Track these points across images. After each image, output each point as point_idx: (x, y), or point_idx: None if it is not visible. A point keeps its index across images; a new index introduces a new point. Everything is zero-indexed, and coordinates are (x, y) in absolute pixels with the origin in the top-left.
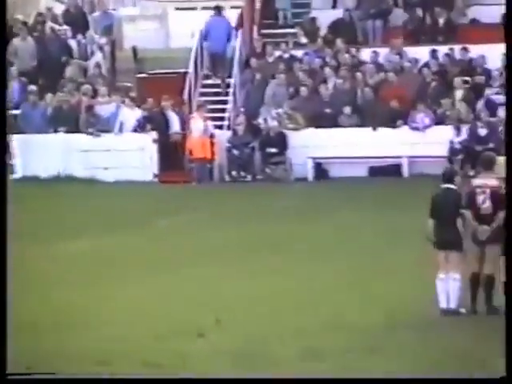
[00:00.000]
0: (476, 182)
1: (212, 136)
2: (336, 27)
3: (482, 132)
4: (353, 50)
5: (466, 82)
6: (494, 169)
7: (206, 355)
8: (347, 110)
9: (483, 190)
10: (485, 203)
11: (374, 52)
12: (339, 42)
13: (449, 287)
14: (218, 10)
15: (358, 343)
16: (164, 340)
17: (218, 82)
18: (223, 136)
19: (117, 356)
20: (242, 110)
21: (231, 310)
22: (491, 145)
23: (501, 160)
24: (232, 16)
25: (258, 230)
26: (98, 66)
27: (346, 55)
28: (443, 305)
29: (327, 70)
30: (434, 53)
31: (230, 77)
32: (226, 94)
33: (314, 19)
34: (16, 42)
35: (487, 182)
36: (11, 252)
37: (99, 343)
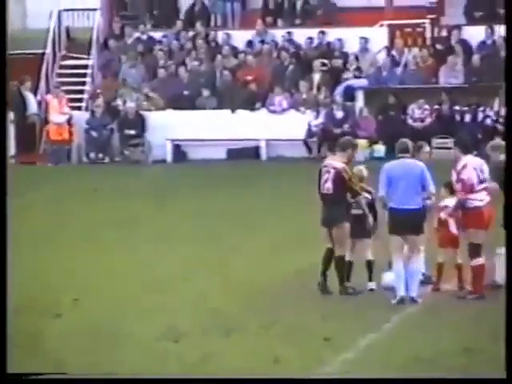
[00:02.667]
0: (325, 161)
1: (70, 118)
2: (193, 10)
3: (339, 115)
4: (212, 33)
5: (323, 64)
6: (348, 151)
7: (62, 335)
8: (206, 92)
9: (327, 170)
10: (326, 183)
11: (230, 34)
12: (198, 25)
13: None
14: None
15: (217, 324)
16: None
17: (76, 63)
18: (81, 117)
19: None
20: (101, 91)
21: (88, 288)
22: (346, 127)
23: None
24: None
25: (113, 208)
26: None
27: (202, 39)
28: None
29: (185, 52)
30: (291, 36)
31: (88, 58)
32: (84, 76)
33: (175, 1)
34: None
35: (333, 162)
36: (11, 251)
37: None
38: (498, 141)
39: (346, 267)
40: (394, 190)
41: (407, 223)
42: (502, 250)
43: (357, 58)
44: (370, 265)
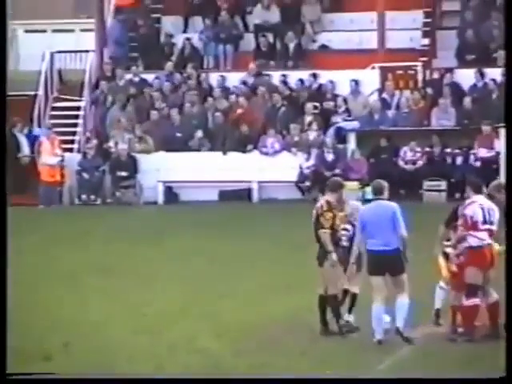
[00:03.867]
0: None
1: (62, 159)
2: (185, 52)
3: (330, 157)
4: (203, 75)
5: (315, 107)
6: (338, 192)
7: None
8: (198, 133)
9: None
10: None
11: (223, 76)
12: (189, 67)
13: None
14: None
15: (207, 366)
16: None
17: (68, 104)
18: (73, 159)
19: None
20: (93, 133)
21: (78, 332)
22: (338, 170)
23: (350, 184)
24: (84, 39)
25: (104, 250)
26: None
27: (194, 80)
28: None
29: (177, 94)
30: (283, 78)
31: (80, 100)
32: (77, 117)
33: (172, 44)
34: None
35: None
36: (11, 251)
37: None
38: (500, 181)
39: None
40: (370, 232)
41: (386, 264)
42: None
43: (345, 101)
44: (353, 298)
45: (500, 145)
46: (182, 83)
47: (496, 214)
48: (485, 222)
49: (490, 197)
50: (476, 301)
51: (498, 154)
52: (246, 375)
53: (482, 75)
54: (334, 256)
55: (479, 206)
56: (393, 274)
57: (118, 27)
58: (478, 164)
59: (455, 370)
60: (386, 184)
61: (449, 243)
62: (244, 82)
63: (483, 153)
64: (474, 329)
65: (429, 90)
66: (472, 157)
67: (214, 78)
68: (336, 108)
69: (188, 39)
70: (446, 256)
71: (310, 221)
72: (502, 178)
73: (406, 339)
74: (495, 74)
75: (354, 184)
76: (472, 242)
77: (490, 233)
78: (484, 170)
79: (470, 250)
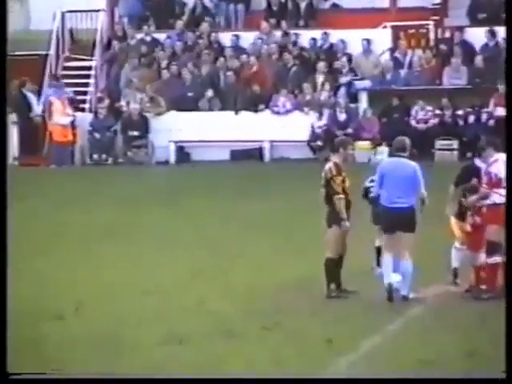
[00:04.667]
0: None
1: (73, 119)
2: (196, 11)
3: (342, 117)
4: (214, 34)
5: (327, 66)
6: (340, 151)
7: (65, 339)
8: (209, 93)
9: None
10: None
11: (236, 36)
12: (204, 26)
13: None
14: None
15: (219, 328)
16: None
17: (80, 64)
18: (85, 119)
19: None
20: (105, 93)
21: (90, 295)
22: (350, 129)
23: (361, 144)
24: None
25: (116, 211)
26: None
27: (205, 39)
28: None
29: (188, 54)
30: (295, 37)
31: (91, 60)
32: (88, 77)
33: (183, 3)
34: None
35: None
36: (11, 256)
37: None
38: None
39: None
40: (387, 188)
41: (399, 221)
42: None
43: (350, 61)
44: (378, 250)
45: None
46: (194, 43)
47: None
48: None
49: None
50: (498, 258)
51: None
52: (246, 375)
53: (493, 34)
54: (347, 223)
55: (503, 163)
56: (406, 231)
57: None
58: (493, 123)
59: (466, 329)
60: (408, 142)
61: (464, 201)
62: (254, 43)
63: (500, 111)
64: (497, 286)
65: (440, 49)
66: (485, 116)
67: (225, 38)
68: (346, 67)
69: None
70: (459, 216)
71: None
72: None
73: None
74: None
75: (366, 143)
76: (496, 199)
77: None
78: (500, 129)
79: (492, 207)
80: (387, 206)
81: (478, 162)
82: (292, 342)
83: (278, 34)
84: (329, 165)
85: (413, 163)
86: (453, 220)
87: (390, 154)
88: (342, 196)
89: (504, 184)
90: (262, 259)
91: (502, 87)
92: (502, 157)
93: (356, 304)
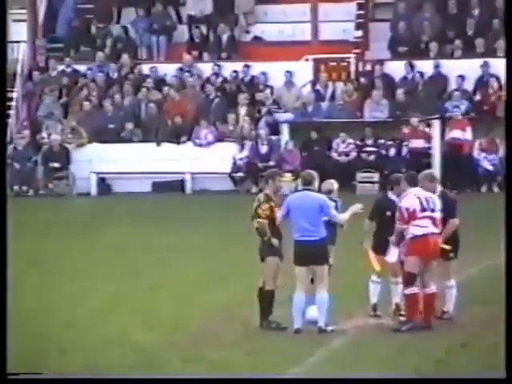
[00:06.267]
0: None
1: None
2: (118, 42)
3: (263, 149)
4: (136, 66)
5: (248, 98)
6: (269, 182)
7: None
8: (129, 125)
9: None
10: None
11: (156, 67)
12: (125, 57)
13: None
14: None
15: (140, 359)
16: None
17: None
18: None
19: None
20: (26, 124)
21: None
22: (271, 161)
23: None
24: (16, 30)
25: (35, 243)
26: None
27: (128, 71)
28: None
29: (110, 85)
30: (217, 69)
31: (12, 91)
32: (8, 108)
33: (104, 34)
34: None
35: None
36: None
37: None
38: (431, 171)
39: (268, 300)
40: (296, 222)
41: (311, 254)
42: (452, 283)
43: (272, 92)
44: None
45: (434, 136)
46: (116, 74)
47: (436, 201)
48: (424, 210)
49: (422, 187)
50: (414, 289)
51: (428, 146)
52: (246, 375)
53: (412, 67)
54: (274, 241)
55: (414, 195)
56: (318, 264)
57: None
58: (408, 156)
59: (387, 361)
60: (315, 175)
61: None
62: (176, 75)
63: (415, 144)
64: (416, 317)
65: (362, 82)
66: (405, 149)
67: (147, 69)
68: (267, 100)
69: (123, 27)
70: (377, 249)
71: (243, 212)
72: (435, 170)
73: (331, 332)
74: (424, 66)
75: (288, 175)
76: (414, 231)
77: (433, 220)
78: (415, 162)
79: (412, 239)
80: (297, 240)
81: (390, 194)
82: (213, 375)
83: (200, 65)
84: (259, 195)
85: (320, 195)
86: (370, 253)
87: (296, 189)
88: (262, 220)
89: (420, 215)
90: (184, 290)
91: (413, 120)
92: (414, 190)
93: (278, 334)
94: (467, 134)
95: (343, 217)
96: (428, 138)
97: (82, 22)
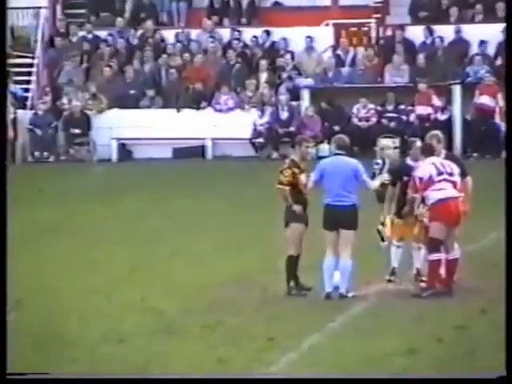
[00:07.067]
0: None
1: (14, 116)
2: (139, 8)
3: (284, 115)
4: (157, 31)
5: (269, 64)
6: (296, 148)
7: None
8: (150, 92)
9: None
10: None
11: (178, 33)
12: (148, 23)
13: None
14: None
15: (160, 325)
16: None
17: (21, 61)
18: (25, 116)
19: None
20: (47, 90)
21: (31, 290)
22: (292, 127)
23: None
24: None
25: (57, 209)
26: None
27: (150, 35)
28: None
29: (130, 51)
30: (237, 34)
31: (33, 57)
32: (29, 74)
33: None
34: None
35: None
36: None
37: None
38: (437, 132)
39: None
40: (328, 186)
41: (341, 219)
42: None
43: (292, 57)
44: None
45: (455, 101)
46: (136, 40)
47: (452, 166)
48: (440, 174)
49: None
50: (439, 255)
51: (436, 110)
52: (246, 375)
53: (431, 32)
54: (296, 207)
55: (429, 163)
56: (347, 228)
57: None
58: (416, 122)
59: (406, 326)
60: (347, 140)
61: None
62: (197, 40)
63: (420, 110)
64: (437, 283)
65: (382, 47)
66: (412, 115)
67: (167, 35)
68: (288, 65)
69: None
70: (399, 214)
71: (264, 178)
72: (455, 135)
73: (352, 297)
74: (444, 31)
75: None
76: (435, 195)
77: (453, 184)
78: (421, 128)
79: (434, 204)
80: (328, 204)
81: (409, 160)
82: (233, 340)
83: (220, 31)
84: (286, 160)
85: (353, 161)
86: (389, 219)
87: (319, 157)
88: (282, 187)
89: (437, 178)
90: (204, 256)
91: (421, 86)
92: (428, 159)
93: (298, 300)
94: (497, 100)
95: (374, 184)
96: (433, 105)
97: None
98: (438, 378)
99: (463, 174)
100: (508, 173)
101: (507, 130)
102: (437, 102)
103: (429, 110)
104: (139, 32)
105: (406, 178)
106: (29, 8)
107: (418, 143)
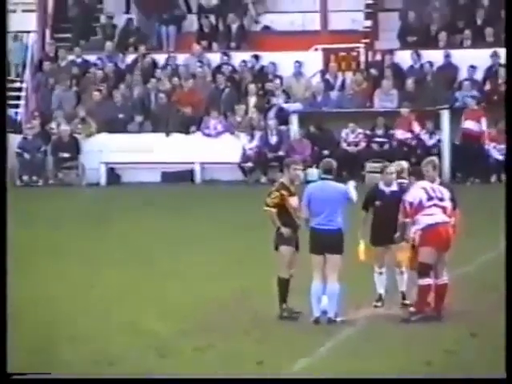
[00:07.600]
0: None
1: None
2: (128, 32)
3: (273, 139)
4: (147, 55)
5: (258, 88)
6: (285, 172)
7: None
8: (140, 116)
9: None
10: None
11: (167, 57)
12: (132, 48)
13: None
14: None
15: (152, 347)
16: None
17: (10, 86)
18: (14, 140)
19: None
20: (36, 114)
21: (22, 313)
22: (281, 152)
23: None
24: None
25: (46, 232)
26: None
27: (140, 60)
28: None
29: (119, 75)
30: (226, 59)
31: (21, 81)
32: (18, 98)
33: (113, 24)
34: None
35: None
36: (11, 251)
37: None
38: (433, 158)
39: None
40: (314, 210)
41: (327, 243)
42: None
43: (281, 82)
44: None
45: (443, 127)
46: (124, 64)
47: (443, 191)
48: (430, 199)
49: (425, 175)
50: (429, 280)
51: (416, 137)
52: (246, 375)
53: (419, 56)
54: (284, 230)
55: (419, 187)
56: (334, 252)
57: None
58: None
59: (396, 352)
60: (334, 163)
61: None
62: (186, 65)
63: (399, 135)
64: (426, 308)
65: (371, 72)
66: (414, 140)
67: (157, 59)
68: (277, 90)
69: (131, 19)
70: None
71: (252, 202)
72: (444, 160)
73: (341, 322)
74: (433, 56)
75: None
76: (425, 220)
77: (442, 209)
78: (400, 152)
79: (424, 229)
80: (314, 228)
81: (381, 185)
82: (224, 363)
83: (209, 55)
84: (274, 184)
85: (340, 185)
86: (361, 244)
87: (307, 181)
88: (267, 209)
89: (427, 204)
90: (193, 279)
91: (404, 110)
92: (418, 183)
93: (288, 324)
94: (481, 125)
95: (354, 197)
96: (412, 130)
97: (91, 12)
98: (438, 378)
99: (453, 207)
100: (508, 195)
101: (507, 151)
102: (416, 127)
103: (407, 135)
104: (129, 56)
105: (377, 203)
106: (18, 32)
107: (391, 168)
